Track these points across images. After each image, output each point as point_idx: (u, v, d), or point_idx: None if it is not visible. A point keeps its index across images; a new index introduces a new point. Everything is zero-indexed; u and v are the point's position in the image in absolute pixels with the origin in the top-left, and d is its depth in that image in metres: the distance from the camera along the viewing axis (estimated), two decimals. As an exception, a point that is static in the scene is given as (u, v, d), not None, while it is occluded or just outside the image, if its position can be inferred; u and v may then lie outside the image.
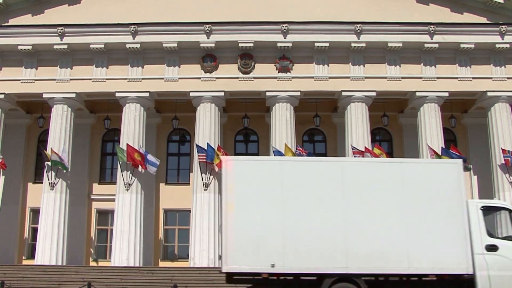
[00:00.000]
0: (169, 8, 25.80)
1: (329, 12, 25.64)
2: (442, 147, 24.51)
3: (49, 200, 24.47)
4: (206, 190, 24.34)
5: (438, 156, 24.18)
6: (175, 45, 25.17)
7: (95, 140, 28.94)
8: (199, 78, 25.57)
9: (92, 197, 28.14)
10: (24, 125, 28.84)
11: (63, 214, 24.50)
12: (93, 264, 26.89)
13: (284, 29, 25.08)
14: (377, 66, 25.69)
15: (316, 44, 25.22)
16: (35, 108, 28.30)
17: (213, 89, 25.38)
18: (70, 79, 25.68)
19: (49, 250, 23.76)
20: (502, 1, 25.28)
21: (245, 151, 28.97)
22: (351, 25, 25.09)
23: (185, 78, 25.60)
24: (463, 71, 25.64)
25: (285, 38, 25.22)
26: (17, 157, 27.91)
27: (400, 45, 25.20)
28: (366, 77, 25.54)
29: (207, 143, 24.40)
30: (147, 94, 25.51)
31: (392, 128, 28.76)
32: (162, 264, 26.89)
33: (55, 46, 25.25)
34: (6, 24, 25.76)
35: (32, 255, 25.89)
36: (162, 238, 27.77)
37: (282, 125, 25.09)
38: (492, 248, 13.42)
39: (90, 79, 25.68)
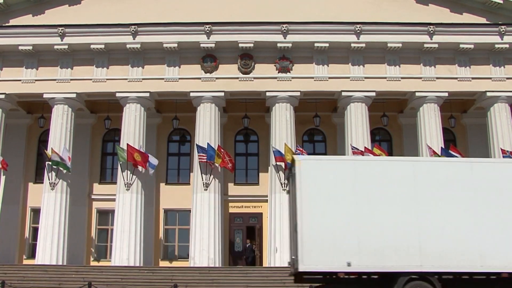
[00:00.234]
0: (169, 9, 25.86)
1: (329, 13, 25.69)
2: (441, 147, 24.57)
3: (49, 200, 24.52)
4: (206, 190, 24.39)
5: (437, 156, 24.24)
6: (175, 45, 25.23)
7: (95, 140, 29.00)
8: (199, 78, 25.62)
9: (93, 197, 28.20)
10: (25, 125, 28.90)
11: (64, 214, 24.55)
12: (93, 263, 26.91)
13: (284, 30, 25.13)
14: (376, 66, 25.75)
15: (316, 44, 25.28)
16: (36, 108, 28.36)
17: (213, 89, 25.44)
18: (71, 79, 25.74)
19: (50, 249, 23.83)
20: (502, 2, 25.34)
21: (245, 151, 29.03)
22: (350, 26, 25.14)
23: (185, 78, 25.66)
24: (462, 71, 25.71)
25: (285, 38, 25.27)
26: (17, 157, 27.97)
27: (400, 45, 25.26)
28: (365, 77, 25.60)
29: (207, 143, 24.46)
30: (147, 94, 25.57)
31: (391, 128, 28.82)
32: (162, 263, 26.96)
33: (55, 46, 25.31)
34: (7, 24, 25.82)
35: (32, 255, 25.95)
36: (162, 238, 27.83)
37: (282, 125, 25.15)
38: None
39: (91, 79, 25.75)
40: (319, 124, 28.06)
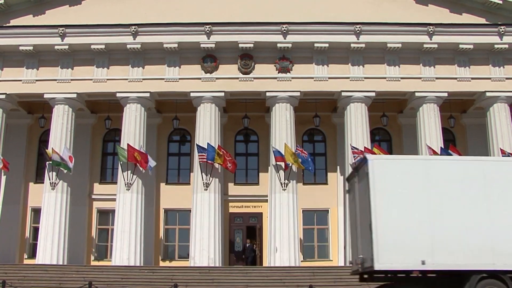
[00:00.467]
0: (169, 9, 25.91)
1: (328, 13, 25.74)
2: (441, 147, 24.62)
3: (50, 199, 24.57)
4: (206, 190, 24.44)
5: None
6: (176, 45, 25.28)
7: (96, 140, 29.06)
8: (200, 78, 25.68)
9: (93, 196, 28.26)
10: (26, 125, 28.95)
11: (64, 213, 24.59)
12: (94, 263, 26.97)
13: (284, 30, 25.19)
14: (376, 66, 25.81)
15: (315, 45, 25.34)
16: (36, 108, 28.42)
17: (213, 90, 25.49)
18: (71, 80, 25.80)
19: (50, 249, 23.86)
20: (501, 2, 25.39)
21: (245, 151, 29.09)
22: (350, 26, 25.20)
23: (186, 79, 25.72)
24: (462, 72, 25.76)
25: (285, 38, 25.33)
26: (18, 157, 28.01)
27: (399, 45, 25.32)
28: (365, 78, 25.66)
29: (208, 143, 24.51)
30: (147, 95, 25.63)
31: (391, 128, 28.89)
32: (163, 263, 27.03)
33: (56, 47, 25.36)
34: (8, 24, 25.86)
35: (33, 255, 25.99)
36: (162, 238, 27.89)
37: (282, 125, 25.20)
38: None
39: (91, 79, 25.80)
40: (319, 124, 28.12)
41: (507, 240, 13.30)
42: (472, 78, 25.70)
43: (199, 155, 24.50)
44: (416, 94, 25.52)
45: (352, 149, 24.56)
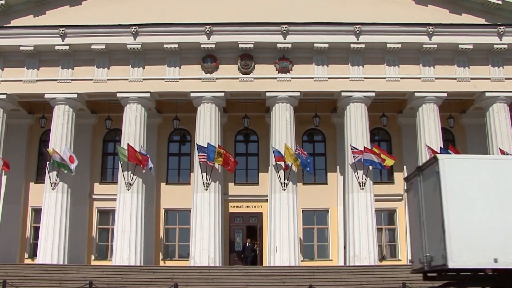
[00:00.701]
0: (169, 9, 25.97)
1: (328, 13, 25.80)
2: (440, 147, 24.67)
3: (50, 199, 24.62)
4: (206, 189, 24.50)
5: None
6: (176, 46, 25.34)
7: (96, 140, 29.11)
8: (200, 78, 25.74)
9: (94, 196, 28.31)
10: (26, 125, 29.01)
11: (65, 213, 24.65)
12: (94, 263, 27.02)
13: (284, 30, 25.24)
14: (376, 66, 25.87)
15: (315, 45, 25.39)
16: (37, 109, 28.47)
17: (214, 90, 25.55)
18: (72, 80, 25.86)
19: (51, 249, 23.92)
20: (500, 2, 25.44)
21: (245, 151, 29.15)
22: (350, 26, 25.25)
23: (186, 79, 25.78)
24: (461, 72, 25.82)
25: (284, 39, 25.38)
26: (19, 157, 28.09)
27: (399, 46, 25.38)
28: (365, 78, 25.72)
29: (208, 143, 24.57)
30: (148, 95, 25.69)
31: (391, 128, 28.95)
32: (163, 263, 27.09)
33: (56, 47, 25.42)
34: (8, 25, 25.91)
35: (34, 254, 26.11)
36: (163, 237, 27.95)
37: (282, 125, 25.26)
38: None
39: (92, 79, 25.86)
40: (319, 124, 28.19)
41: None
42: (472, 78, 25.76)
43: (199, 155, 24.56)
44: (416, 94, 25.58)
45: (351, 149, 24.65)
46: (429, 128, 25.28)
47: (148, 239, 25.89)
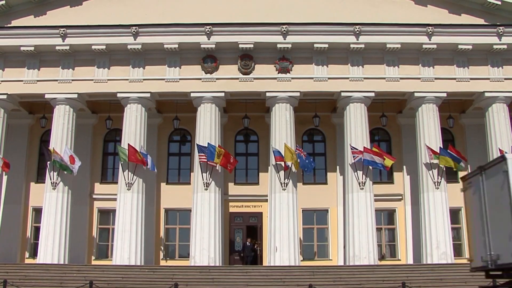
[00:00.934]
0: (170, 10, 26.03)
1: (328, 14, 25.86)
2: (440, 147, 24.74)
3: (51, 199, 24.68)
4: (206, 189, 24.56)
5: (437, 156, 24.44)
6: (176, 46, 25.39)
7: (97, 140, 29.17)
8: (200, 78, 25.80)
9: (94, 196, 28.37)
10: (27, 125, 29.07)
11: (65, 213, 24.70)
12: (95, 262, 27.08)
13: (284, 30, 25.29)
14: (375, 67, 25.92)
15: (315, 45, 25.44)
16: (38, 109, 28.53)
17: (214, 90, 25.61)
18: (72, 80, 25.91)
19: (51, 249, 23.97)
20: (500, 3, 25.48)
21: (245, 151, 29.21)
22: (350, 27, 25.29)
23: (186, 79, 25.84)
24: (461, 72, 25.87)
25: (284, 39, 25.43)
26: (19, 157, 28.13)
27: (399, 46, 25.43)
28: (365, 78, 25.77)
29: (208, 143, 24.62)
30: (148, 95, 25.75)
31: (390, 128, 29.01)
32: (163, 263, 27.15)
33: (57, 47, 25.47)
34: (9, 25, 25.96)
35: (34, 254, 26.13)
36: (163, 237, 28.01)
37: (282, 125, 25.32)
38: None
39: (92, 79, 25.92)
40: (319, 124, 28.25)
41: None
42: (471, 79, 25.81)
43: (199, 155, 24.61)
44: (415, 94, 25.63)
45: (351, 149, 24.71)
46: (428, 128, 25.34)
47: (148, 239, 25.96)
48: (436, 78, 25.78)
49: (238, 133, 29.21)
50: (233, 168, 25.66)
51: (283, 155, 24.25)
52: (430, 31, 25.27)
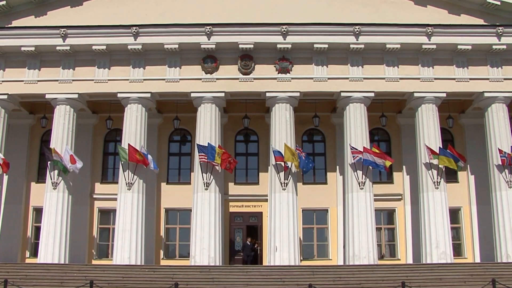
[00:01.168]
0: (170, 10, 26.09)
1: (328, 14, 25.90)
2: (439, 147, 24.79)
3: (51, 199, 24.73)
4: (206, 189, 24.62)
5: (436, 156, 24.50)
6: (176, 46, 25.44)
7: (97, 140, 29.22)
8: (200, 79, 25.85)
9: (94, 196, 28.42)
10: (27, 125, 29.10)
11: (66, 213, 24.75)
12: (95, 262, 27.13)
13: (284, 31, 25.34)
14: (375, 67, 25.97)
15: (315, 46, 25.49)
16: (38, 109, 28.57)
17: (214, 90, 25.66)
18: (73, 80, 25.95)
19: (52, 248, 24.03)
20: (499, 3, 25.50)
21: (245, 151, 29.25)
22: (349, 27, 25.33)
23: (186, 79, 25.89)
24: (460, 72, 25.92)
25: (284, 39, 25.47)
26: (20, 157, 28.17)
27: (398, 46, 25.48)
28: (364, 78, 25.81)
29: (208, 143, 24.68)
30: (148, 95, 25.80)
31: (390, 128, 29.06)
32: (164, 262, 27.17)
33: (57, 47, 25.51)
34: (10, 25, 25.99)
35: (35, 254, 26.19)
36: (163, 237, 28.06)
37: (282, 125, 25.38)
38: None
39: (92, 80, 25.96)
40: (319, 124, 28.31)
41: None
42: (470, 79, 25.86)
43: (199, 155, 24.67)
44: (415, 94, 25.68)
45: (351, 149, 24.77)
46: (428, 128, 25.39)
47: (148, 239, 26.02)
48: (435, 78, 25.82)
49: (238, 133, 29.26)
50: (233, 168, 25.69)
51: (283, 155, 24.30)
52: (430, 31, 25.32)
